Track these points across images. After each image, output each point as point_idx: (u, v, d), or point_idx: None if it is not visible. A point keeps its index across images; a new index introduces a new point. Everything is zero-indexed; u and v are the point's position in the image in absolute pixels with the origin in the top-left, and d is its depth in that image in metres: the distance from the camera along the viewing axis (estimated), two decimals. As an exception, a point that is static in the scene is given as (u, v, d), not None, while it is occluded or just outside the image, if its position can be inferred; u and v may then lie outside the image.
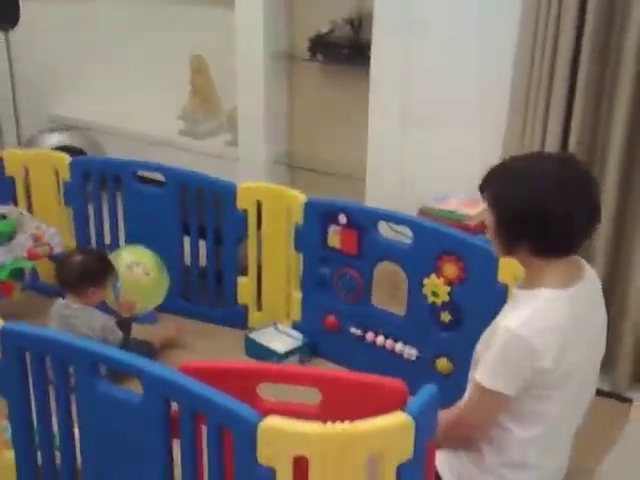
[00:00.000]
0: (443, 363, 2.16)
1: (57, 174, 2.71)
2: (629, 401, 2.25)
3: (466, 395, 1.57)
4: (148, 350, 2.30)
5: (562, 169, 1.45)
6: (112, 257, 2.43)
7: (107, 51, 3.79)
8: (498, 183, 1.48)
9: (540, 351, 1.41)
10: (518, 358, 1.42)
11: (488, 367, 1.46)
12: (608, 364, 2.31)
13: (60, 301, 2.28)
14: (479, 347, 1.55)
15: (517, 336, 1.41)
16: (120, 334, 2.26)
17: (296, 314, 2.51)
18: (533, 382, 1.45)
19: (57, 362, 1.52)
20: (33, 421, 1.62)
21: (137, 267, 2.42)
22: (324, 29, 3.01)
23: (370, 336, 2.33)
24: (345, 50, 2.97)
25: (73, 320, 2.22)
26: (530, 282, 1.50)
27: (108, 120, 3.75)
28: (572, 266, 1.49)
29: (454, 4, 2.54)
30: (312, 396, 1.49)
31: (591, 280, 1.53)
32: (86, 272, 2.26)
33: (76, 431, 1.58)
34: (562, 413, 1.51)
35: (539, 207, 1.41)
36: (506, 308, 1.52)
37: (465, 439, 1.55)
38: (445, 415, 1.49)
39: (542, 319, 1.42)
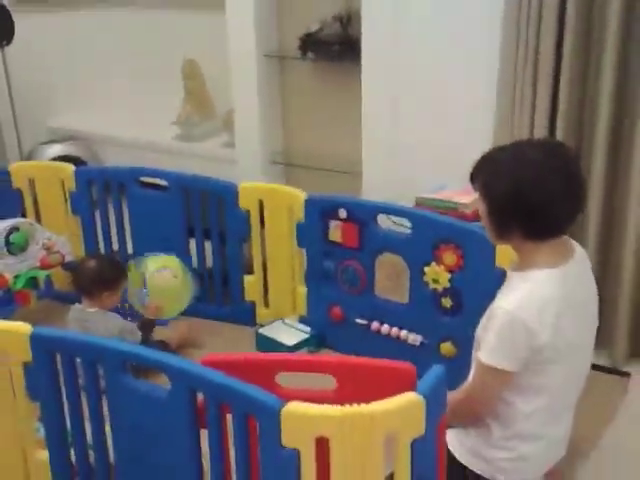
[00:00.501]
0: (447, 347, 2.25)
1: (63, 184, 2.79)
2: (627, 375, 2.34)
3: (470, 375, 1.66)
4: (165, 349, 2.39)
5: (546, 155, 1.52)
6: (138, 264, 2.50)
7: (100, 61, 3.86)
8: (486, 172, 1.56)
9: (536, 329, 1.50)
10: (516, 337, 1.51)
11: (489, 346, 1.55)
12: (606, 340, 2.42)
13: (76, 306, 2.37)
14: (479, 330, 1.64)
15: (513, 316, 1.50)
16: (139, 335, 2.36)
17: (302, 308, 2.60)
18: (532, 357, 1.53)
19: (87, 362, 1.61)
20: (65, 421, 1.71)
21: (165, 271, 2.49)
22: (314, 27, 3.07)
23: (375, 325, 2.42)
24: (335, 47, 3.02)
25: (90, 324, 2.31)
26: (523, 264, 1.58)
27: (105, 129, 3.83)
28: (562, 246, 1.58)
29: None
30: (327, 383, 1.59)
31: (581, 258, 1.62)
32: (100, 277, 2.36)
33: (107, 428, 1.67)
34: (562, 385, 1.60)
35: (525, 194, 1.48)
36: (501, 291, 1.61)
37: (473, 416, 1.64)
38: (453, 395, 1.59)
39: (536, 298, 1.51)
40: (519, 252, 1.60)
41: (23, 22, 3.33)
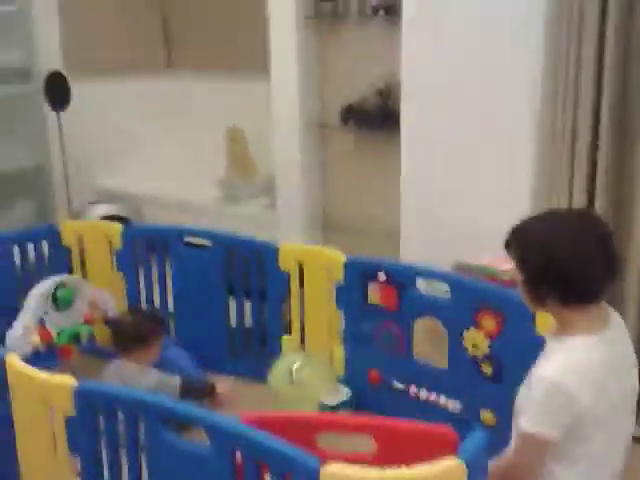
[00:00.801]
0: (487, 415, 2.22)
1: (110, 242, 2.88)
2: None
3: (512, 445, 1.64)
4: (208, 387, 2.40)
5: (579, 225, 1.57)
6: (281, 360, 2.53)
7: (148, 125, 4.02)
8: (519, 243, 1.60)
9: (576, 394, 1.49)
10: (557, 404, 1.50)
11: (531, 414, 1.53)
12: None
13: (116, 361, 2.41)
14: (518, 399, 1.63)
15: (553, 383, 1.50)
16: (176, 386, 2.34)
17: (340, 369, 2.60)
18: (573, 424, 1.52)
19: (128, 417, 1.63)
20: (104, 477, 1.72)
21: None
22: (354, 99, 3.19)
23: (413, 389, 2.40)
24: (375, 118, 3.13)
25: (128, 379, 2.34)
26: (561, 331, 1.59)
27: (151, 190, 3.95)
28: (599, 312, 1.59)
29: (475, 73, 2.69)
30: (366, 445, 1.58)
31: (617, 323, 1.63)
32: (134, 332, 2.41)
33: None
34: (602, 452, 1.57)
35: (559, 264, 1.52)
36: (541, 358, 1.61)
37: None
38: (494, 464, 1.57)
39: (575, 365, 1.51)
40: (557, 318, 1.62)
41: (78, 88, 3.50)
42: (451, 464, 1.37)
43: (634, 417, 1.67)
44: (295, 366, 2.48)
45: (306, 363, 2.52)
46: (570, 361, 1.52)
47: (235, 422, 1.52)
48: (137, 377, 2.34)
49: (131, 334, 2.40)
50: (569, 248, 1.53)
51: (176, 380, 2.37)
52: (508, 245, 1.62)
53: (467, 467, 1.37)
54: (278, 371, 2.51)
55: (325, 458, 1.41)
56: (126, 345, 2.39)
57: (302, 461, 1.40)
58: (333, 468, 1.37)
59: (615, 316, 1.64)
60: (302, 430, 1.57)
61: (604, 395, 1.52)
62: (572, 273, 1.52)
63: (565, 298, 1.55)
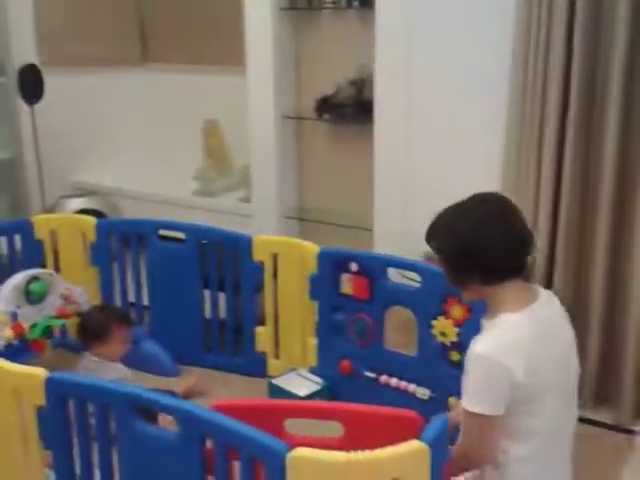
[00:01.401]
0: (456, 401, 2.26)
1: (84, 236, 2.88)
2: (633, 433, 2.33)
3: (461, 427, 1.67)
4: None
5: (479, 205, 1.65)
6: None
7: (123, 119, 4.02)
8: (435, 233, 1.69)
9: (512, 366, 1.54)
10: (493, 378, 1.55)
11: (470, 393, 1.58)
12: (611, 397, 2.43)
13: (84, 355, 2.44)
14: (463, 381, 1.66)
15: (487, 357, 1.55)
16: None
17: (312, 360, 2.63)
18: (514, 398, 1.56)
19: (98, 406, 1.65)
20: (75, 468, 1.73)
21: None
22: (329, 91, 3.21)
23: (384, 378, 2.44)
24: (349, 109, 3.16)
25: (91, 373, 2.35)
26: (491, 312, 1.66)
27: (125, 184, 3.95)
28: (524, 291, 1.66)
29: (448, 63, 2.73)
30: (334, 430, 1.62)
31: (547, 300, 1.68)
32: (85, 330, 2.43)
33: (117, 475, 1.69)
34: (549, 428, 1.61)
35: (466, 242, 1.61)
36: (473, 340, 1.64)
37: (474, 466, 1.65)
38: (453, 450, 1.60)
39: (505, 339, 1.57)
40: (486, 301, 1.68)
41: (52, 81, 3.48)
42: (414, 446, 1.41)
43: (575, 395, 1.70)
44: None
45: None
46: (499, 336, 1.57)
47: (204, 409, 1.55)
48: (97, 371, 2.35)
49: (90, 329, 2.42)
50: (472, 229, 1.61)
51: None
52: (427, 238, 1.70)
53: (430, 449, 1.41)
54: None
55: (293, 443, 1.44)
56: (86, 340, 2.42)
57: (270, 446, 1.43)
58: (300, 452, 1.40)
59: (545, 293, 1.69)
60: (270, 417, 1.60)
61: (537, 370, 1.56)
62: (479, 250, 1.60)
63: (482, 278, 1.63)
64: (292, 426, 1.63)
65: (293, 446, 1.43)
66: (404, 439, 1.43)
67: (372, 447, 1.40)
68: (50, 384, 1.68)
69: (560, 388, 1.63)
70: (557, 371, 1.62)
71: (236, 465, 1.52)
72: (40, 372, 1.70)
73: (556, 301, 1.72)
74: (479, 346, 1.57)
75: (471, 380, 1.57)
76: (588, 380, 2.42)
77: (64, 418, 1.70)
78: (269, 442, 1.43)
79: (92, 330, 2.41)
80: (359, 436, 1.56)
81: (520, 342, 1.56)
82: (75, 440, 1.72)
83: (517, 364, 1.54)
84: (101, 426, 1.66)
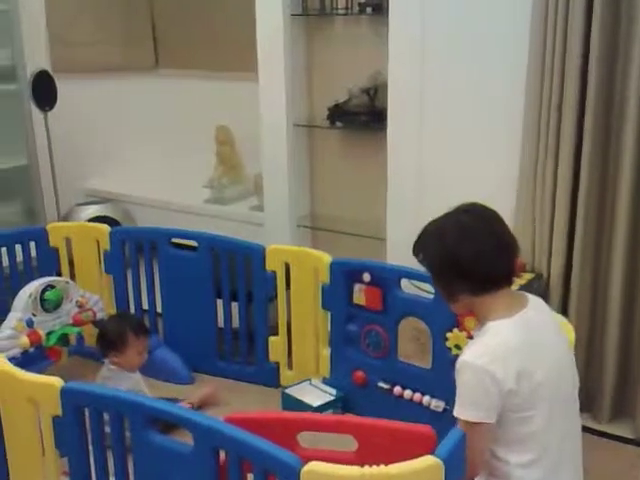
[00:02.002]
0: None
1: (98, 244, 2.89)
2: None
3: None
4: None
5: (464, 216, 1.66)
6: None
7: (136, 126, 4.04)
8: (421, 246, 1.70)
9: (501, 375, 1.53)
10: (483, 385, 1.54)
11: (460, 401, 1.57)
12: (628, 411, 2.41)
13: (103, 363, 2.45)
14: None
15: (476, 366, 1.54)
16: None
17: (325, 370, 2.63)
18: (506, 405, 1.55)
19: (114, 417, 1.65)
20: (92, 477, 1.74)
21: None
22: (342, 98, 3.21)
23: (398, 390, 2.43)
24: (362, 117, 3.15)
25: (107, 382, 2.37)
26: (479, 321, 1.67)
27: (139, 192, 3.97)
28: (513, 298, 1.66)
29: (462, 70, 2.72)
30: (348, 444, 1.61)
31: (537, 306, 1.68)
32: (103, 338, 2.44)
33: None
34: (546, 436, 1.59)
35: (454, 256, 1.61)
36: (463, 351, 1.65)
37: (469, 476, 1.63)
38: None
39: (494, 346, 1.56)
40: (475, 312, 1.68)
41: (65, 88, 3.50)
42: (429, 462, 1.40)
43: (575, 400, 1.69)
44: None
45: None
46: (488, 344, 1.57)
47: (218, 422, 1.55)
48: (114, 380, 2.36)
49: (106, 338, 2.43)
50: (457, 239, 1.61)
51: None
52: (414, 251, 1.71)
53: (444, 464, 1.41)
54: None
55: (306, 457, 1.44)
56: (103, 348, 2.43)
57: (284, 460, 1.43)
58: (314, 467, 1.40)
59: (534, 300, 1.69)
60: (284, 430, 1.60)
61: (530, 375, 1.55)
62: (468, 261, 1.60)
63: (469, 288, 1.63)
64: (305, 439, 1.63)
65: (306, 460, 1.42)
66: (418, 454, 1.43)
67: (386, 462, 1.40)
68: (66, 394, 1.69)
69: (555, 395, 1.62)
70: (551, 378, 1.61)
71: (250, 477, 1.52)
72: (55, 382, 1.71)
73: (547, 307, 1.73)
74: (467, 355, 1.58)
75: (461, 388, 1.57)
76: (605, 394, 2.40)
77: (80, 427, 1.71)
78: (283, 456, 1.43)
79: (109, 339, 2.42)
80: (373, 450, 1.55)
81: (510, 349, 1.56)
82: (91, 448, 1.72)
83: (507, 372, 1.54)
84: (116, 436, 1.67)
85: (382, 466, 1.39)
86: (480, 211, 1.69)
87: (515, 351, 1.56)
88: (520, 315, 1.61)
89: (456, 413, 1.58)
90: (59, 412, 1.69)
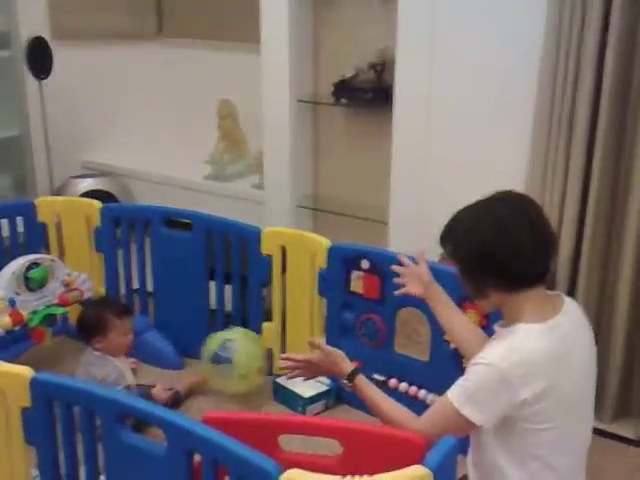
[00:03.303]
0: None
1: (88, 220, 2.79)
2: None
3: (432, 409, 1.55)
4: (146, 395, 2.31)
5: (504, 207, 1.51)
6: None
7: (136, 97, 3.91)
8: (449, 233, 1.57)
9: (518, 384, 1.42)
10: (495, 391, 1.44)
11: (464, 391, 1.47)
12: (633, 411, 2.31)
13: (86, 349, 2.35)
14: None
15: (495, 369, 1.43)
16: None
17: (320, 358, 2.53)
18: (518, 415, 1.45)
19: (84, 412, 1.56)
20: (61, 469, 1.65)
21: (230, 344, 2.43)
22: (348, 74, 3.07)
23: (393, 383, 2.34)
24: (369, 94, 3.02)
25: (90, 368, 2.28)
26: (507, 319, 1.54)
27: (138, 165, 3.85)
28: (547, 300, 1.53)
29: (472, 50, 2.58)
30: (332, 447, 1.51)
31: (572, 312, 1.55)
32: (82, 324, 2.35)
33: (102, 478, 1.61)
34: (561, 447, 1.50)
35: (485, 247, 1.48)
36: (486, 345, 1.54)
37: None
38: (401, 413, 1.53)
39: (519, 352, 1.44)
40: (503, 308, 1.55)
41: (62, 55, 3.38)
42: (417, 472, 1.31)
43: (591, 407, 1.59)
44: (224, 343, 2.43)
45: (236, 340, 2.44)
46: (515, 347, 1.45)
47: (193, 422, 1.45)
48: (98, 366, 2.28)
49: (86, 323, 2.34)
50: (495, 231, 1.48)
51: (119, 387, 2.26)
52: (442, 240, 1.58)
53: (434, 475, 1.31)
54: (207, 348, 2.44)
55: (287, 461, 1.35)
56: (85, 335, 2.33)
57: (260, 466, 1.33)
58: (292, 475, 1.30)
59: (570, 304, 1.56)
60: (265, 431, 1.50)
61: (553, 385, 1.45)
62: (501, 257, 1.47)
63: (502, 285, 1.50)
64: (286, 441, 1.53)
65: (287, 465, 1.33)
66: (407, 463, 1.33)
67: (371, 469, 1.31)
68: (35, 385, 1.59)
69: (575, 404, 1.52)
70: (573, 389, 1.50)
71: (226, 481, 1.43)
72: (25, 372, 1.61)
73: (579, 311, 1.59)
74: (489, 355, 1.46)
75: (471, 382, 1.46)
76: (609, 394, 2.31)
77: (49, 419, 1.61)
78: (260, 462, 1.34)
79: (88, 324, 2.33)
80: (358, 456, 1.45)
81: (534, 359, 1.44)
82: (61, 440, 1.63)
83: (526, 382, 1.43)
84: (86, 430, 1.58)
85: (366, 476, 1.28)
86: (518, 201, 1.55)
87: (542, 363, 1.44)
88: (554, 321, 1.49)
89: (452, 397, 1.47)
90: (27, 403, 1.60)
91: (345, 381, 1.68)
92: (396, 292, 1.97)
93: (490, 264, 1.48)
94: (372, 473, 1.30)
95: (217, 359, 2.40)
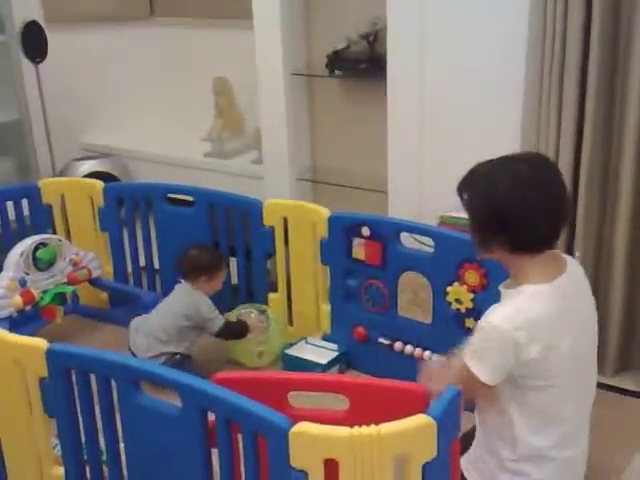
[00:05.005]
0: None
1: (92, 200, 2.83)
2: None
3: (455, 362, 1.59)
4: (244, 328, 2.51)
5: (527, 171, 1.50)
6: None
7: (133, 78, 3.93)
8: (468, 186, 1.55)
9: (524, 344, 1.46)
10: (503, 351, 1.47)
11: (474, 352, 1.51)
12: (634, 364, 2.36)
13: (181, 283, 2.52)
14: None
15: (502, 331, 1.47)
16: (218, 325, 2.47)
17: (326, 326, 2.58)
18: (526, 373, 1.49)
19: (101, 378, 1.61)
20: (81, 437, 1.71)
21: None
22: (340, 45, 3.09)
23: (398, 345, 2.39)
24: (362, 64, 3.03)
25: (187, 300, 2.47)
26: (514, 280, 1.56)
27: (137, 146, 3.88)
28: (552, 261, 1.55)
29: (463, 14, 2.59)
30: (341, 402, 1.57)
31: (574, 271, 1.58)
32: (198, 264, 2.50)
33: (122, 445, 1.67)
34: (566, 402, 1.55)
35: (505, 210, 1.48)
36: (492, 306, 1.56)
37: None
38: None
39: (525, 313, 1.48)
40: (509, 268, 1.58)
41: (56, 38, 3.40)
42: (421, 421, 1.36)
43: (595, 365, 1.64)
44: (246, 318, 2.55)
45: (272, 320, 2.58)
46: (520, 308, 1.49)
47: (205, 383, 1.50)
48: (198, 298, 2.47)
49: (203, 264, 2.50)
50: (511, 192, 1.48)
51: (218, 324, 2.48)
52: (459, 189, 1.58)
53: (437, 424, 1.36)
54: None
55: (297, 417, 1.40)
56: (194, 272, 2.49)
57: (272, 420, 1.38)
58: (302, 427, 1.35)
59: (572, 264, 1.60)
60: (274, 389, 1.55)
61: (557, 345, 1.49)
62: (515, 218, 1.48)
63: (511, 245, 1.51)
64: (295, 398, 1.59)
65: (296, 420, 1.38)
66: (412, 413, 1.38)
67: (378, 421, 1.35)
68: (51, 355, 1.65)
69: (578, 361, 1.57)
70: (577, 347, 1.55)
71: (239, 438, 1.48)
72: (40, 343, 1.67)
73: (580, 270, 1.63)
74: (496, 317, 1.49)
75: (480, 342, 1.51)
76: (610, 347, 2.35)
77: (67, 388, 1.67)
78: (271, 417, 1.39)
79: (205, 265, 2.50)
80: (365, 409, 1.50)
81: (541, 319, 1.48)
82: (79, 409, 1.69)
83: (533, 341, 1.47)
84: (103, 398, 1.63)
85: (372, 426, 1.34)
86: (540, 164, 1.54)
87: (545, 322, 1.48)
88: (558, 281, 1.51)
89: (465, 355, 1.51)
90: (45, 374, 1.65)
91: None
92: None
93: (501, 223, 1.49)
94: (378, 424, 1.36)
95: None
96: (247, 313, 2.58)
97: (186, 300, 2.47)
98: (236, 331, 2.51)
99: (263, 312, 2.59)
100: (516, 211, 1.47)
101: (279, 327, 2.61)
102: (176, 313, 2.45)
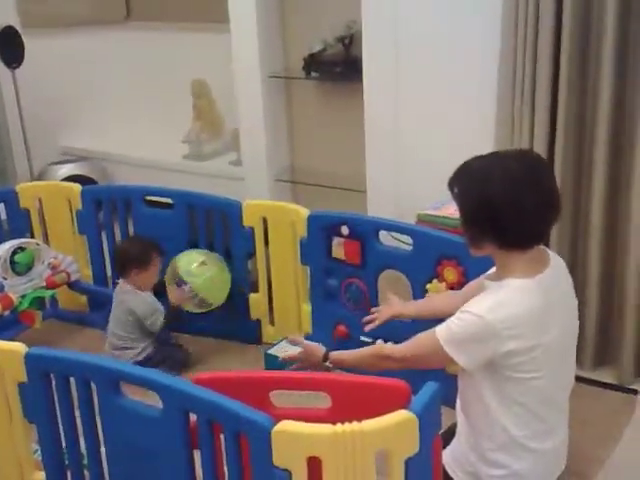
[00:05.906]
0: (453, 365, 2.22)
1: (70, 204, 2.81)
2: (634, 392, 2.30)
3: (415, 339, 1.63)
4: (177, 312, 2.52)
5: (520, 169, 1.51)
6: (178, 260, 2.57)
7: (111, 81, 3.91)
8: (459, 182, 1.56)
9: (504, 336, 1.48)
10: (482, 340, 1.49)
11: (450, 332, 1.53)
12: (612, 357, 2.39)
13: (120, 282, 2.51)
14: None
15: (483, 321, 1.49)
16: (157, 326, 2.46)
17: (307, 326, 2.59)
18: (505, 364, 1.51)
19: (80, 382, 1.60)
20: (61, 442, 1.70)
21: (207, 263, 2.56)
22: (317, 48, 3.10)
23: (380, 343, 2.39)
24: (338, 67, 3.06)
25: (124, 299, 2.46)
26: (499, 273, 1.58)
27: (116, 149, 3.87)
28: (537, 255, 1.56)
29: (436, 19, 2.62)
30: (323, 400, 1.58)
31: (557, 266, 1.60)
32: (126, 256, 2.48)
33: (103, 449, 1.66)
34: (545, 394, 1.57)
35: (496, 207, 1.49)
36: (475, 297, 1.57)
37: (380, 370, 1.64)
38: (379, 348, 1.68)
39: (506, 306, 1.50)
40: (496, 261, 1.60)
41: (33, 43, 3.37)
42: (402, 417, 1.37)
43: (574, 358, 1.66)
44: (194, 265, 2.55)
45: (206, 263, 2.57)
46: (503, 301, 1.51)
47: (186, 384, 1.50)
48: (131, 302, 2.44)
49: (132, 256, 2.48)
50: (502, 187, 1.48)
51: (161, 307, 2.48)
52: (450, 184, 1.58)
53: (419, 419, 1.37)
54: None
55: (279, 416, 1.40)
56: (125, 267, 2.48)
57: (254, 420, 1.39)
58: (285, 426, 1.36)
59: (555, 258, 1.62)
60: (255, 389, 1.55)
61: (538, 338, 1.51)
62: (506, 214, 1.49)
63: (502, 242, 1.53)
64: (277, 397, 1.59)
65: (278, 419, 1.38)
66: (394, 409, 1.39)
67: (360, 418, 1.36)
68: (30, 360, 1.63)
69: (560, 353, 1.59)
70: (558, 341, 1.56)
71: (222, 438, 1.48)
72: (19, 347, 1.65)
73: (562, 263, 1.65)
74: (479, 308, 1.51)
75: (460, 328, 1.52)
76: (588, 340, 2.38)
77: (46, 393, 1.66)
78: (253, 416, 1.39)
79: (134, 257, 2.47)
80: (347, 407, 1.51)
81: (522, 314, 1.50)
82: (59, 413, 1.68)
83: (512, 335, 1.48)
84: (83, 401, 1.62)
85: (355, 423, 1.34)
86: (532, 162, 1.55)
87: (528, 317, 1.49)
88: (542, 276, 1.52)
89: (440, 335, 1.53)
90: (24, 379, 1.64)
91: (326, 364, 1.77)
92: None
93: (491, 219, 1.50)
94: (361, 420, 1.36)
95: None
96: (170, 287, 2.54)
97: (122, 305, 2.47)
98: (171, 319, 2.51)
99: (203, 263, 2.55)
100: (507, 206, 1.48)
101: (218, 268, 2.57)
102: (120, 319, 2.47)
